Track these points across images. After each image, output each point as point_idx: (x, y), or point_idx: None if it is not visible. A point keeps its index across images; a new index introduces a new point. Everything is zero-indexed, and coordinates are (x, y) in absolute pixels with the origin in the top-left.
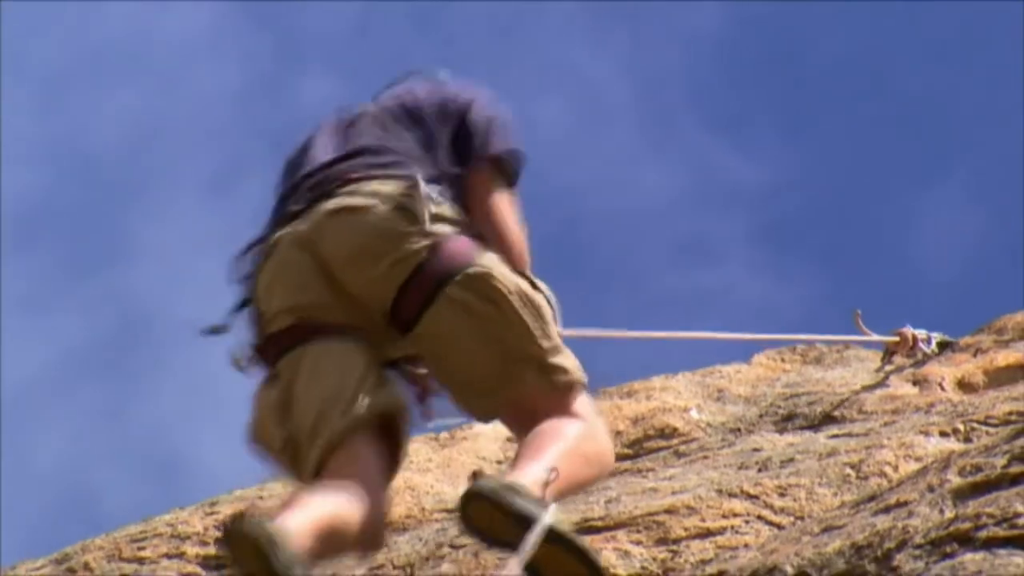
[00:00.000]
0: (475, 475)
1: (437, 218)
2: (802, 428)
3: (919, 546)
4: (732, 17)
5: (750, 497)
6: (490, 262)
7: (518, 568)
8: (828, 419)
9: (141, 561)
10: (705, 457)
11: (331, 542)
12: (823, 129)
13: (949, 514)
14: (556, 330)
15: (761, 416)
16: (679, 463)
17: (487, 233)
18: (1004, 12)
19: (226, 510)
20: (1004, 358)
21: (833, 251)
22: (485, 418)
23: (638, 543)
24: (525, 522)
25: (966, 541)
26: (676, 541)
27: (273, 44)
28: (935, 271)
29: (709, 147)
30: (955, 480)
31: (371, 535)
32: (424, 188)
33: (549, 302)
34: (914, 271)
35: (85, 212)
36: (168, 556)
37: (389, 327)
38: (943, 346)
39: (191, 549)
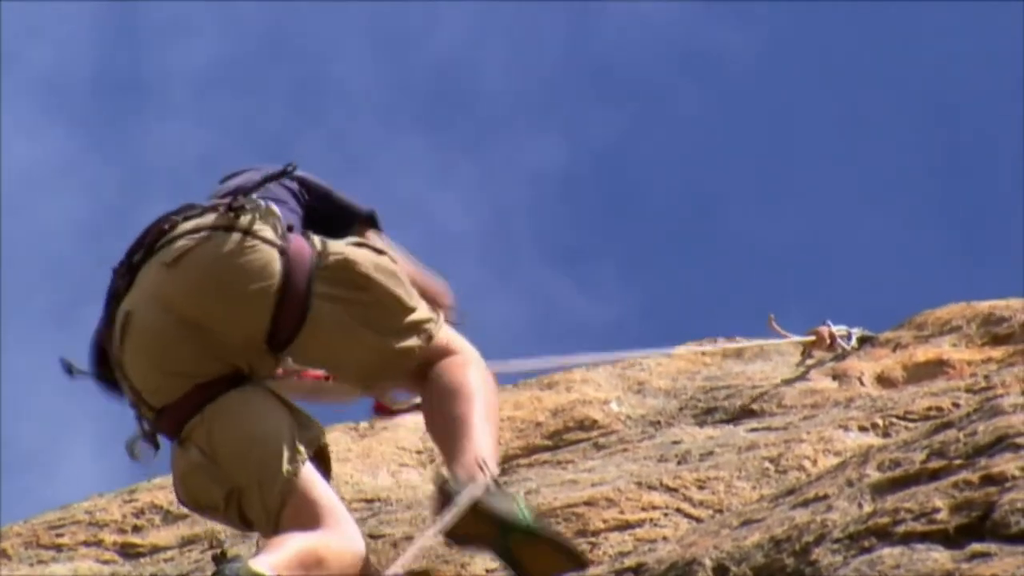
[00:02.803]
0: (442, 483)
1: (269, 214)
2: (722, 421)
3: (837, 540)
4: (576, 154)
5: (669, 490)
6: (342, 248)
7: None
8: (747, 413)
9: (59, 548)
10: (625, 450)
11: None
12: (663, 267)
13: (868, 508)
14: (409, 285)
15: (681, 409)
16: (599, 455)
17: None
18: (837, 161)
19: (144, 497)
20: (923, 353)
21: None
22: (382, 392)
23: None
24: (495, 520)
25: (884, 536)
26: (595, 533)
27: (120, 175)
28: None
29: (552, 282)
30: (874, 475)
31: (351, 565)
32: (244, 199)
33: (393, 260)
34: None
35: None
36: (86, 543)
37: (261, 346)
38: (863, 341)
39: (109, 536)
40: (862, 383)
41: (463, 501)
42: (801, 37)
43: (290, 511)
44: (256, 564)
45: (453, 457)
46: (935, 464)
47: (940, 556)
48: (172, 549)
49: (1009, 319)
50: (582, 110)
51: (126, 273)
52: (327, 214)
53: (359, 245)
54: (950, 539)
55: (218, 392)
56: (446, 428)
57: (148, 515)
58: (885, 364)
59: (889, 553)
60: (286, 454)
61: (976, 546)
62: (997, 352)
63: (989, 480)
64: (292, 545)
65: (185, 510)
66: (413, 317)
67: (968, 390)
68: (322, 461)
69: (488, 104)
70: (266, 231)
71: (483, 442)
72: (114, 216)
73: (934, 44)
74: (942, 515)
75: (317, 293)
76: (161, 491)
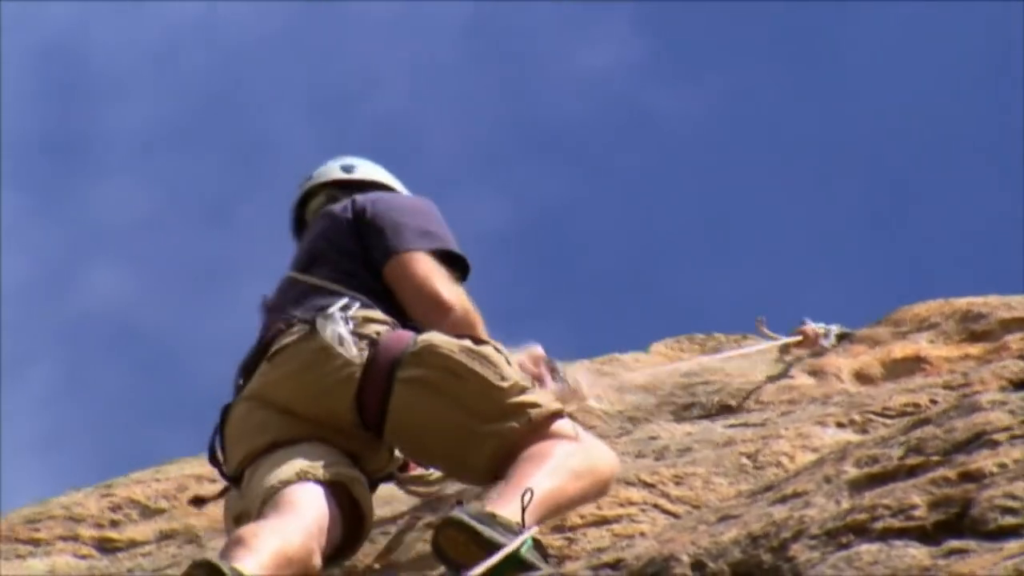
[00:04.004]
0: (456, 504)
1: (367, 321)
2: (699, 417)
3: (815, 536)
4: (521, 213)
5: (647, 486)
6: (429, 336)
7: None
8: (725, 409)
9: (36, 543)
10: None
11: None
12: (608, 325)
13: (845, 505)
14: (513, 371)
15: (659, 405)
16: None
17: (425, 312)
18: (779, 223)
19: (121, 492)
20: (901, 350)
21: None
22: (487, 479)
23: (555, 520)
24: (494, 549)
25: (862, 532)
26: (572, 528)
27: (64, 235)
28: None
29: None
30: (851, 471)
31: (305, 562)
32: (335, 307)
33: (498, 349)
34: None
35: None
36: (63, 538)
37: (365, 435)
38: (841, 338)
39: (86, 531)
40: (840, 379)
41: (501, 554)
42: (743, 101)
43: (263, 512)
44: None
45: (492, 497)
46: (913, 460)
47: (918, 552)
48: (149, 544)
49: (987, 316)
50: (526, 170)
51: (244, 373)
52: (369, 243)
53: (461, 336)
54: (928, 535)
55: (279, 447)
56: (502, 478)
57: (125, 510)
58: (863, 361)
59: (867, 550)
60: (281, 473)
61: (954, 543)
62: (975, 349)
63: (967, 477)
64: (264, 548)
65: (162, 505)
66: (510, 399)
67: (946, 387)
68: (344, 501)
69: (430, 165)
70: (368, 328)
71: (531, 488)
72: (58, 275)
73: (868, 102)
74: (920, 512)
75: (402, 378)
76: (138, 486)
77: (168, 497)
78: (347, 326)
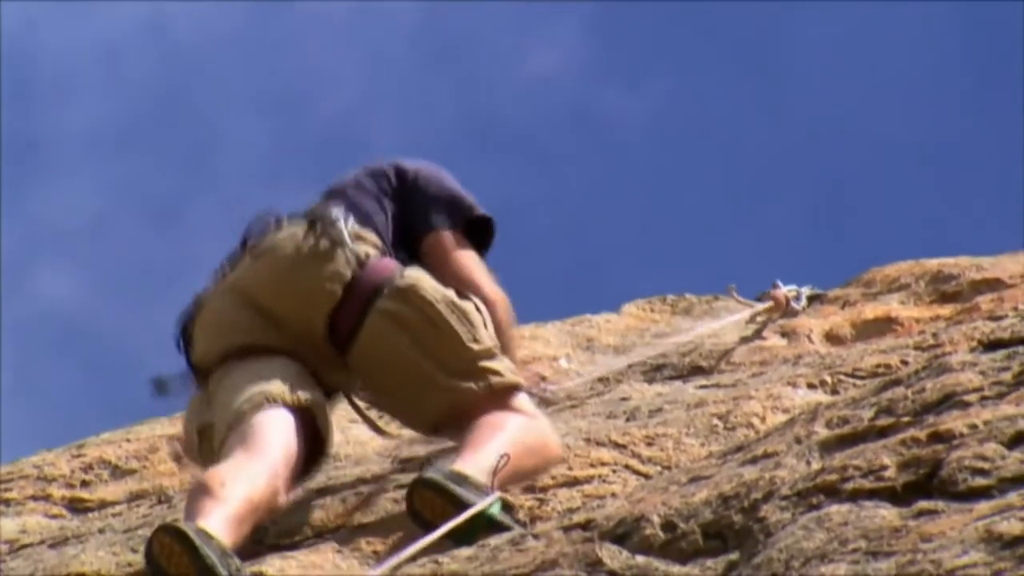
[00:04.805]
0: (424, 464)
1: (358, 238)
2: (671, 378)
3: (786, 497)
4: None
5: (618, 446)
6: (417, 274)
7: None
8: (696, 370)
9: (7, 503)
10: (573, 406)
11: (245, 526)
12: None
13: (816, 466)
14: (487, 334)
15: (630, 366)
16: (547, 412)
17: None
18: (722, 226)
19: (92, 452)
20: (872, 311)
21: None
22: (431, 430)
23: (505, 490)
24: (466, 509)
25: (832, 493)
26: (543, 489)
27: (12, 236)
28: None
29: None
30: (822, 432)
31: (271, 503)
32: (339, 215)
33: (478, 309)
34: None
35: None
36: (34, 498)
37: (329, 350)
38: (812, 298)
39: (57, 491)
40: (811, 340)
41: (472, 511)
42: (690, 104)
43: (230, 440)
44: (206, 524)
45: (459, 456)
46: (883, 421)
47: (888, 513)
48: (120, 504)
49: (957, 277)
50: (477, 170)
51: (228, 263)
52: (411, 208)
53: (455, 292)
54: (898, 496)
55: (252, 355)
56: (463, 441)
57: (96, 470)
58: (834, 321)
59: (837, 510)
60: (250, 393)
61: (923, 503)
62: (945, 310)
63: (937, 437)
64: (231, 501)
65: (133, 465)
66: (478, 362)
67: (916, 347)
68: (308, 427)
69: None
70: (359, 247)
71: (494, 455)
72: (6, 278)
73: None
74: (890, 472)
75: (379, 307)
76: (109, 446)
77: (139, 457)
78: (345, 232)
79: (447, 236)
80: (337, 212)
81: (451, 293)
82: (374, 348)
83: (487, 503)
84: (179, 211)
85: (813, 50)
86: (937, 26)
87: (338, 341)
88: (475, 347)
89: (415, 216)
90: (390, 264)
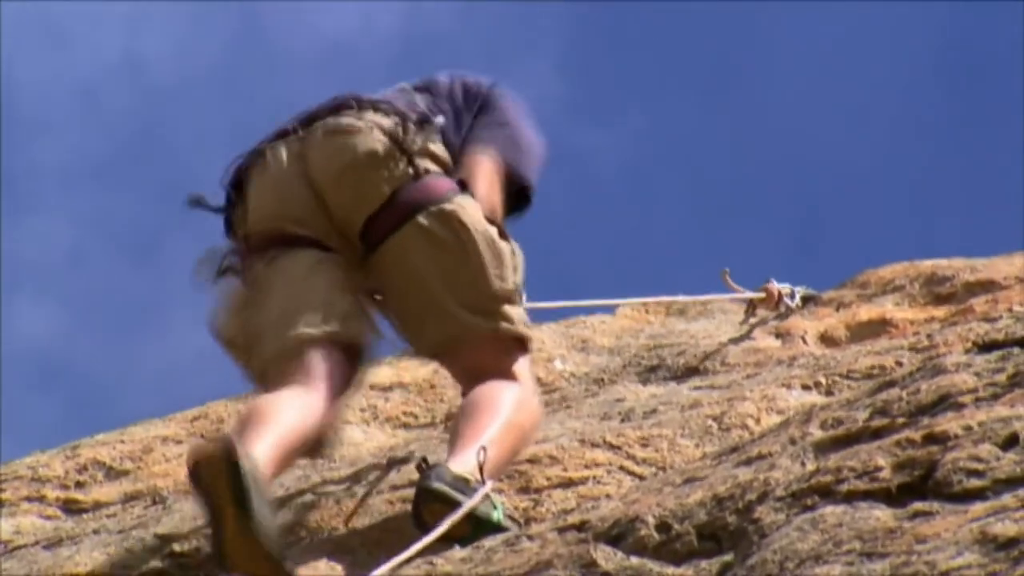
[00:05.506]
0: (421, 466)
1: (425, 153)
2: (665, 379)
3: (780, 498)
4: None
5: (612, 447)
6: (466, 202)
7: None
8: (691, 371)
9: (1, 504)
10: (568, 407)
11: (287, 460)
12: None
13: (810, 467)
14: (515, 279)
15: (624, 367)
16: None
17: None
18: (697, 260)
19: (87, 453)
20: (867, 312)
21: None
22: (428, 354)
23: (499, 491)
24: (479, 521)
25: (827, 494)
26: (538, 490)
27: None
28: None
29: None
30: (817, 433)
31: (316, 443)
32: (414, 124)
33: (514, 252)
34: None
35: None
36: (28, 499)
37: (359, 249)
38: (807, 300)
39: (52, 492)
40: (805, 342)
41: (464, 509)
42: (664, 138)
43: (286, 369)
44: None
45: (453, 450)
46: (878, 423)
47: (882, 514)
48: (115, 505)
49: (952, 278)
50: None
51: (300, 123)
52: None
53: (493, 224)
54: (892, 498)
55: (301, 246)
56: (457, 429)
57: (91, 471)
58: (828, 323)
59: (831, 512)
60: (309, 319)
61: (918, 504)
62: (940, 311)
63: (932, 439)
64: (276, 433)
65: (127, 466)
66: (494, 304)
67: (911, 349)
68: (352, 361)
69: None
70: (423, 161)
71: (487, 447)
72: None
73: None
74: (884, 474)
75: (418, 222)
76: (104, 447)
77: (133, 459)
78: (419, 143)
79: (489, 162)
80: (423, 118)
81: (493, 231)
82: (399, 258)
83: (478, 500)
84: (156, 246)
85: (796, 52)
86: (930, 23)
87: (367, 242)
88: (497, 285)
89: (478, 136)
90: (444, 185)
